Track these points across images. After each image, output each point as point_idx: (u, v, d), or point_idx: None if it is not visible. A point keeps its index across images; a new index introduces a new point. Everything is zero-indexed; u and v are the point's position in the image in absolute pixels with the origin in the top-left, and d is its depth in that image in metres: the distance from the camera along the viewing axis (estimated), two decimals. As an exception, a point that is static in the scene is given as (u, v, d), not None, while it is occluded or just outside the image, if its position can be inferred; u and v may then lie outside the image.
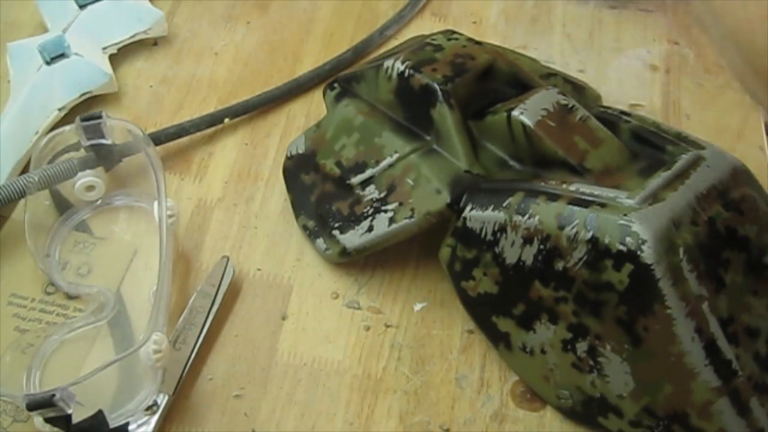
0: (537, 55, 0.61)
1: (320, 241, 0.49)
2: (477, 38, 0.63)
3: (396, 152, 0.47)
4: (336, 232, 0.48)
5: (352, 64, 0.60)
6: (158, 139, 0.53)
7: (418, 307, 0.48)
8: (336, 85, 0.52)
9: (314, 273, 0.49)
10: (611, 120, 0.46)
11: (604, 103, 0.55)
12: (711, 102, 0.59)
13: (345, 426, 0.44)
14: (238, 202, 0.53)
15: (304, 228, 0.50)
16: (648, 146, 0.44)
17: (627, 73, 0.60)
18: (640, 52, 0.62)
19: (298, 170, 0.51)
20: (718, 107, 0.58)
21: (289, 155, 0.52)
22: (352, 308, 0.48)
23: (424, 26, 0.63)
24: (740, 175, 0.41)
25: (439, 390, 0.45)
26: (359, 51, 0.60)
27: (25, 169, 0.52)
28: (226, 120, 0.56)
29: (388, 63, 0.48)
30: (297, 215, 0.51)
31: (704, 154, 0.42)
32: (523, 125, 0.43)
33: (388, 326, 0.48)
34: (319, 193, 0.49)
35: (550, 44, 0.62)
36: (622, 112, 0.47)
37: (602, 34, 0.63)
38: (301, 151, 0.51)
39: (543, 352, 0.43)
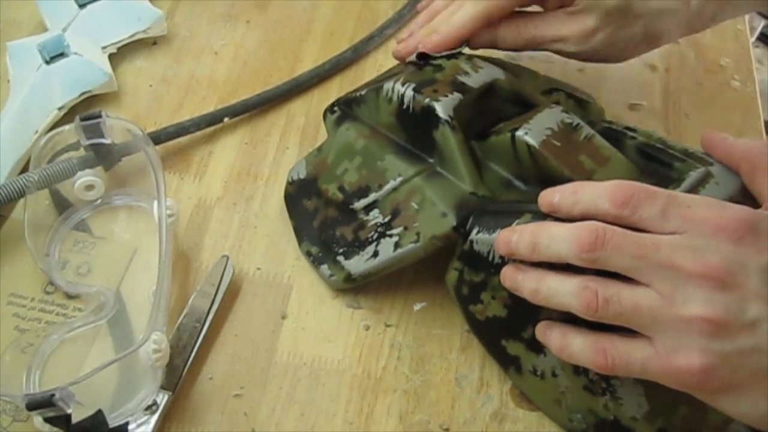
0: (537, 54, 0.60)
1: (324, 267, 0.48)
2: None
3: (399, 175, 0.46)
4: (341, 258, 0.47)
5: (352, 64, 0.60)
6: (158, 138, 0.53)
7: (417, 306, 0.48)
8: (336, 108, 0.51)
9: (314, 272, 0.49)
10: (616, 137, 0.45)
11: (604, 104, 0.55)
12: (711, 102, 0.59)
13: (345, 425, 0.44)
14: (238, 201, 0.53)
15: (308, 254, 0.49)
16: (655, 163, 0.43)
17: (627, 73, 0.60)
18: (640, 52, 0.61)
19: (300, 196, 0.50)
20: (718, 107, 0.58)
21: (290, 180, 0.51)
22: (352, 308, 0.48)
23: (423, 25, 0.63)
24: (749, 191, 0.41)
25: (438, 389, 0.45)
26: (359, 50, 0.60)
27: (24, 169, 0.52)
28: (226, 119, 0.56)
29: (388, 85, 0.47)
30: (300, 241, 0.50)
31: (712, 171, 0.41)
32: (528, 145, 0.43)
33: (387, 326, 0.48)
34: (322, 218, 0.49)
35: (549, 44, 0.62)
36: (627, 128, 0.46)
37: (602, 33, 0.63)
38: (302, 177, 0.51)
39: (554, 375, 0.42)
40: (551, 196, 0.39)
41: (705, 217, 0.36)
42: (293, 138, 0.56)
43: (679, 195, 0.37)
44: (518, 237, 0.40)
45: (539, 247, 0.38)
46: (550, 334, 0.40)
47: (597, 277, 0.37)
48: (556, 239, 0.38)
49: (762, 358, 0.35)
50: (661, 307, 0.35)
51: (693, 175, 0.41)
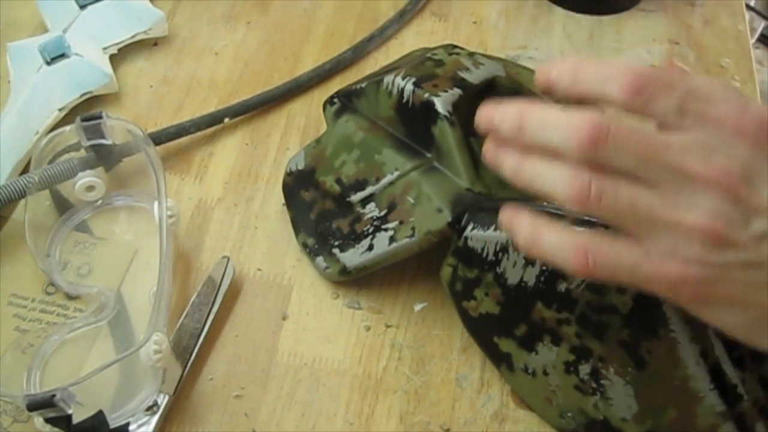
0: (537, 54, 0.61)
1: (320, 260, 0.48)
2: (477, 38, 0.63)
3: (396, 170, 0.46)
4: (336, 251, 0.48)
5: (352, 64, 0.60)
6: (158, 139, 0.53)
7: (418, 307, 0.48)
8: (336, 100, 0.51)
9: (314, 273, 0.49)
10: None
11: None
12: (711, 102, 0.59)
13: (345, 426, 0.44)
14: (239, 202, 0.53)
15: (304, 246, 0.49)
16: None
17: (627, 73, 0.60)
18: (640, 52, 0.62)
19: (298, 187, 0.51)
20: (719, 107, 0.58)
21: (288, 171, 0.51)
22: (352, 308, 0.48)
23: (424, 26, 0.63)
24: None
25: (439, 390, 0.45)
26: (359, 51, 0.60)
27: (25, 170, 0.52)
28: (226, 120, 0.56)
29: (388, 79, 0.47)
30: (297, 233, 0.50)
31: None
32: None
33: (388, 326, 0.48)
34: (319, 210, 0.49)
35: (550, 44, 0.62)
36: None
37: (602, 34, 0.63)
38: (300, 168, 0.51)
39: (545, 373, 0.42)
40: (548, 71, 0.35)
41: (725, 116, 0.32)
42: (294, 138, 0.56)
43: (700, 86, 0.33)
44: (501, 114, 0.35)
45: (526, 130, 0.34)
46: (518, 223, 0.35)
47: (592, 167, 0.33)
48: (548, 125, 0.33)
49: (761, 273, 0.32)
50: (662, 209, 0.32)
51: None
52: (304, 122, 0.57)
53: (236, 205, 0.53)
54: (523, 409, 0.45)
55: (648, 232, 0.33)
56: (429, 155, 0.46)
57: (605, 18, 0.64)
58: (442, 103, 0.45)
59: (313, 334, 0.47)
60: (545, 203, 0.41)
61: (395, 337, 0.47)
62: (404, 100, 0.46)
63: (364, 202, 0.47)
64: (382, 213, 0.46)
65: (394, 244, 0.45)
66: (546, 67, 0.35)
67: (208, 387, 0.45)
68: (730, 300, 0.33)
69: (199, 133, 0.55)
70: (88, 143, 0.49)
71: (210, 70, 0.60)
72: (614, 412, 0.41)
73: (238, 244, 0.51)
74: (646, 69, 0.33)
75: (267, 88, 0.58)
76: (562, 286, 0.39)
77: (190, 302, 0.46)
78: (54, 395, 0.38)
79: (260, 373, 0.46)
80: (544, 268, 0.40)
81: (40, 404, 0.38)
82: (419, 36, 0.62)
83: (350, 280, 0.49)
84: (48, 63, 0.55)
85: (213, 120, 0.55)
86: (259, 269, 0.50)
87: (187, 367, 0.44)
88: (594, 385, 0.41)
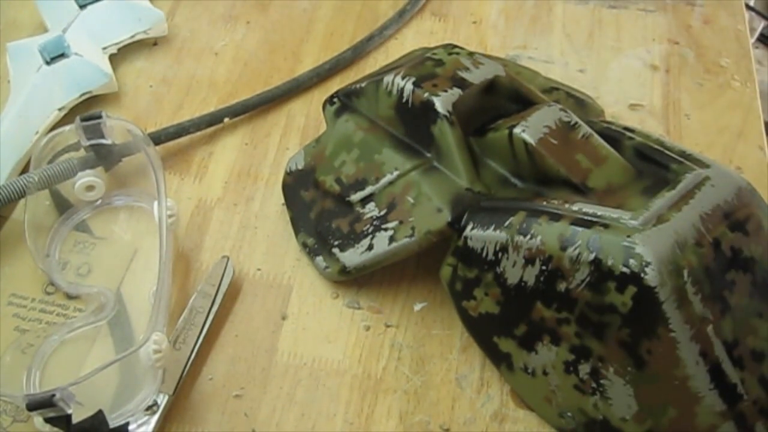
0: (537, 54, 0.61)
1: (320, 259, 0.48)
2: (477, 38, 0.63)
3: (396, 169, 0.46)
4: (336, 250, 0.48)
5: (352, 64, 0.60)
6: (158, 138, 0.53)
7: (418, 306, 0.48)
8: (335, 99, 0.51)
9: (314, 273, 0.49)
10: (614, 136, 0.45)
11: (604, 104, 0.55)
12: (711, 102, 0.59)
13: (345, 426, 0.44)
14: (238, 201, 0.53)
15: (304, 245, 0.49)
16: (652, 164, 0.43)
17: (627, 73, 0.60)
18: (640, 52, 0.62)
19: (298, 186, 0.51)
20: (718, 107, 0.58)
21: (288, 171, 0.51)
22: (352, 308, 0.48)
23: (423, 26, 0.63)
24: (745, 194, 0.40)
25: (439, 390, 0.45)
26: (359, 50, 0.60)
27: (25, 169, 0.52)
28: (226, 119, 0.56)
29: (388, 78, 0.47)
30: (296, 232, 0.50)
31: (709, 174, 0.41)
32: (525, 143, 0.43)
33: (388, 326, 0.48)
34: (318, 210, 0.49)
35: (550, 44, 0.62)
36: (626, 128, 0.46)
37: (602, 33, 0.63)
38: (300, 167, 0.51)
39: (545, 373, 0.42)
40: None
41: None
42: (293, 138, 0.56)
43: None
44: None
45: None
46: None
47: None
48: None
49: None
50: None
51: (689, 177, 0.41)
52: (303, 122, 0.57)
53: (236, 205, 0.53)
54: (523, 408, 0.45)
55: None
56: (429, 155, 0.46)
57: (605, 17, 0.64)
58: (441, 103, 0.45)
59: (312, 333, 0.47)
60: (544, 203, 0.41)
61: (395, 337, 0.47)
62: (404, 100, 0.46)
63: (364, 201, 0.47)
64: (382, 213, 0.46)
65: (394, 244, 0.45)
66: None
67: (207, 387, 0.45)
68: None
69: (198, 133, 0.55)
70: (88, 143, 0.49)
71: (210, 69, 0.60)
72: (614, 411, 0.41)
73: (238, 243, 0.51)
74: None
75: (267, 88, 0.58)
76: (562, 286, 0.39)
77: (190, 302, 0.46)
78: (54, 395, 0.38)
79: (260, 373, 0.46)
80: (544, 268, 0.40)
81: (40, 404, 0.38)
82: (419, 36, 0.62)
83: (350, 280, 0.49)
84: (48, 63, 0.55)
85: (213, 120, 0.55)
86: (259, 269, 0.50)
87: (187, 367, 0.44)
88: (594, 384, 0.41)
